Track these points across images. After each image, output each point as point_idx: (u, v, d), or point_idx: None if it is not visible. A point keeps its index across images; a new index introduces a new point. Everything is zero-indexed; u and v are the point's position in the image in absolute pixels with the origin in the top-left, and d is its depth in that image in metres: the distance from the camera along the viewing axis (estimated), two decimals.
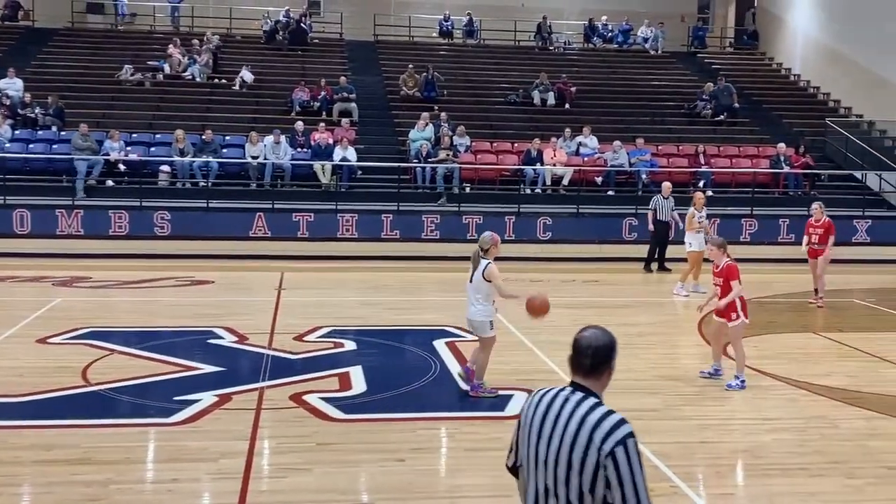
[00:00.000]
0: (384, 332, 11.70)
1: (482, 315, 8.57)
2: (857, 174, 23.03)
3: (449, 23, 29.70)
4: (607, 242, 18.79)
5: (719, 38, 33.43)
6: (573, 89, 25.10)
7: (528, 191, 20.76)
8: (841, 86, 26.76)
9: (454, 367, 9.74)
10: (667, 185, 17.35)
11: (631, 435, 3.14)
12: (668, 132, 23.92)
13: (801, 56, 29.26)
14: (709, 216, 16.02)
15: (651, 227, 17.15)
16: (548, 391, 3.34)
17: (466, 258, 17.85)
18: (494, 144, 22.42)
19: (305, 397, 8.51)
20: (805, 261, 14.52)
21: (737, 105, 25.11)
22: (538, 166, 20.78)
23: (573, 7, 31.58)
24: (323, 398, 8.50)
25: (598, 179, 21.04)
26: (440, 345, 10.81)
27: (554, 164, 20.90)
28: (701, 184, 21.09)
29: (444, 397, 8.89)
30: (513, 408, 8.33)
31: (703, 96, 25.05)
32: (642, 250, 18.02)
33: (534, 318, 8.04)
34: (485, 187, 20.82)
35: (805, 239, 14.34)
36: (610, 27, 30.26)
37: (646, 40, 29.75)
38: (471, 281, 8.60)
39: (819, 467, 6.91)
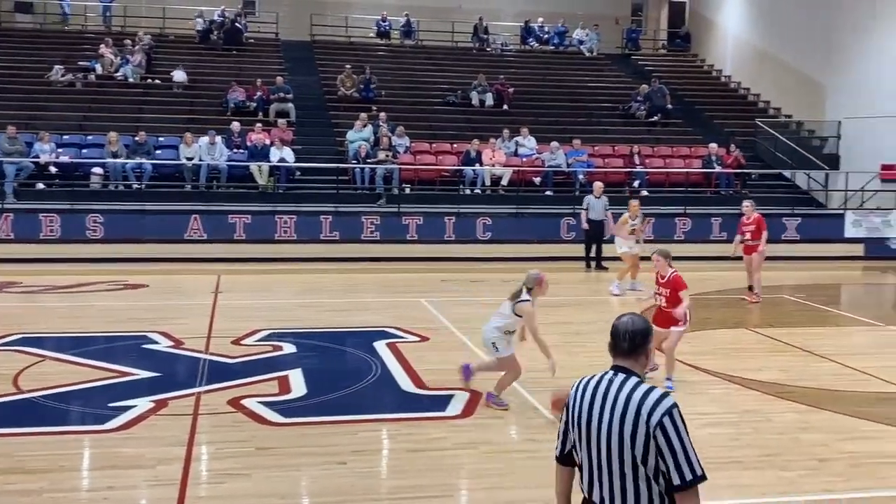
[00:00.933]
0: (324, 334, 11.62)
1: (490, 332, 8.34)
2: (787, 173, 23.60)
3: (386, 23, 29.66)
4: (546, 242, 18.92)
5: (652, 41, 33.97)
6: (511, 90, 25.26)
7: (468, 191, 20.83)
8: (770, 87, 27.38)
9: (395, 369, 9.73)
10: (598, 185, 17.68)
11: (675, 406, 3.39)
12: (604, 133, 24.22)
13: (732, 58, 29.88)
14: (645, 216, 16.24)
15: (584, 225, 17.46)
16: (591, 377, 3.60)
17: (405, 259, 17.87)
18: (433, 145, 22.45)
19: (244, 402, 8.41)
20: (739, 258, 14.81)
21: (670, 106, 25.54)
22: (477, 167, 20.87)
23: (509, 9, 31.77)
24: (262, 402, 8.41)
25: (537, 180, 21.21)
26: (381, 346, 10.77)
27: (493, 165, 21.00)
28: (636, 184, 21.42)
29: (385, 399, 8.87)
30: (454, 408, 8.35)
31: (638, 97, 25.42)
32: (580, 249, 18.28)
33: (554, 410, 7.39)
34: (424, 188, 20.84)
35: (738, 237, 14.66)
36: (546, 29, 30.53)
37: (581, 42, 30.08)
38: (502, 304, 8.43)
39: (754, 460, 7.06)
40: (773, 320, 13.03)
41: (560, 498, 3.78)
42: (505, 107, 24.82)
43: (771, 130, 24.61)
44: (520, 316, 8.24)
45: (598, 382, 3.55)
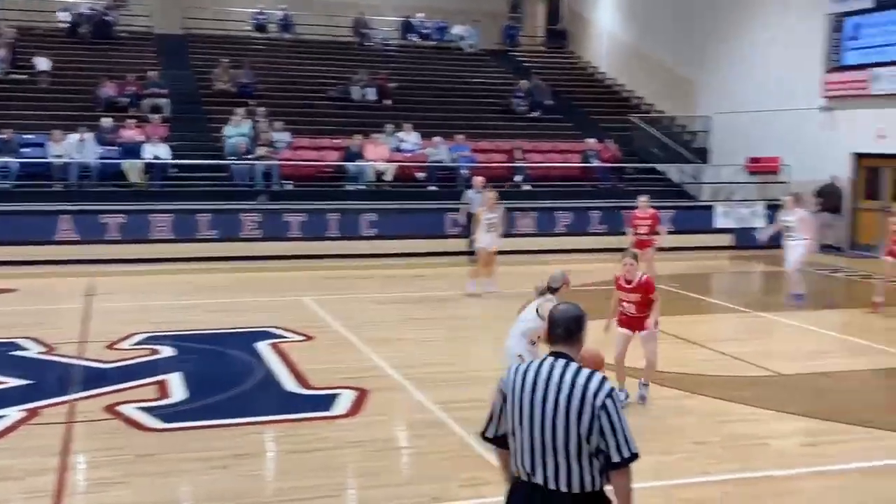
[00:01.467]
0: (204, 336, 11.32)
1: (515, 345, 7.64)
2: (660, 167, 24.37)
3: (264, 16, 29.12)
4: (431, 237, 18.96)
5: (531, 38, 34.49)
6: (392, 85, 25.21)
7: (351, 187, 20.68)
8: (644, 84, 28.20)
9: (278, 369, 9.57)
10: (478, 179, 17.80)
11: (613, 389, 3.65)
12: (486, 128, 24.44)
13: (607, 55, 30.64)
14: (521, 209, 16.44)
15: (464, 220, 17.64)
16: (531, 364, 3.76)
17: (287, 257, 17.55)
18: (315, 140, 22.18)
19: (120, 408, 8.11)
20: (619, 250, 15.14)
21: (549, 102, 25.99)
22: (360, 162, 20.75)
23: (389, 3, 31.70)
24: (140, 408, 8.13)
25: (420, 175, 21.24)
26: (263, 347, 10.57)
27: (376, 161, 20.92)
28: (518, 178, 21.72)
29: (268, 401, 8.71)
30: (339, 407, 8.27)
31: (518, 93, 25.77)
32: (465, 244, 18.43)
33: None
34: (306, 184, 20.55)
35: (630, 230, 14.99)
36: (426, 24, 30.61)
37: (461, 38, 30.28)
38: (519, 312, 7.76)
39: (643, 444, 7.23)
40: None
41: (506, 474, 3.92)
42: (387, 102, 24.75)
43: (645, 126, 25.37)
44: (544, 318, 7.57)
45: (539, 368, 3.70)
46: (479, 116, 25.23)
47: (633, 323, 8.43)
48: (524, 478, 3.70)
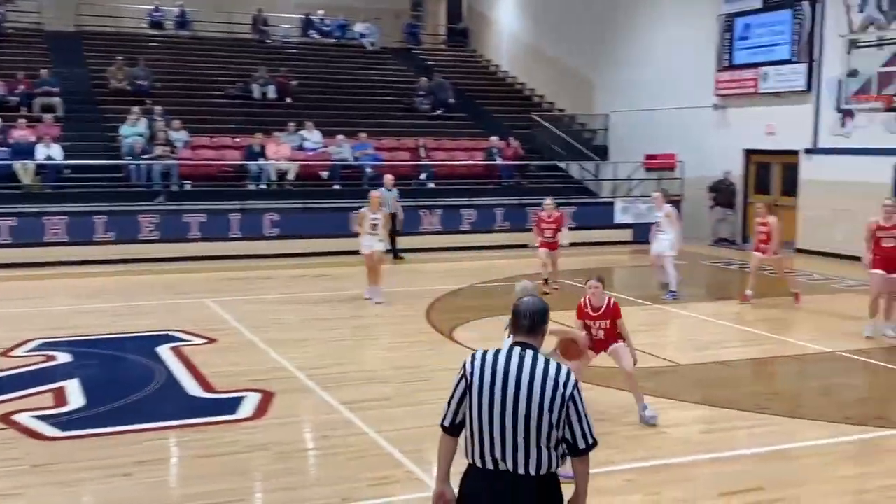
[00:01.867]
0: (102, 341, 11.00)
1: None
2: (562, 164, 24.79)
3: (160, 13, 28.46)
4: (335, 236, 18.82)
5: (432, 36, 34.59)
6: (293, 83, 24.95)
7: (253, 186, 20.38)
8: (544, 82, 28.64)
9: (181, 373, 9.38)
10: (388, 178, 17.93)
11: (577, 380, 3.80)
12: (389, 126, 24.42)
13: (508, 54, 31.00)
14: (426, 207, 16.55)
15: None
16: (490, 352, 3.84)
17: (188, 258, 17.23)
18: (214, 139, 21.79)
19: (15, 417, 7.82)
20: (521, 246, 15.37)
21: (452, 100, 26.14)
22: (262, 161, 20.47)
23: (289, 0, 31.35)
24: (35, 416, 7.85)
25: (324, 173, 21.08)
26: (164, 351, 10.34)
27: (278, 159, 20.67)
28: (423, 176, 21.78)
29: (170, 405, 8.51)
30: (245, 410, 8.15)
31: (420, 91, 25.83)
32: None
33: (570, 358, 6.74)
34: (206, 184, 20.16)
35: (536, 231, 15.03)
36: (327, 22, 30.39)
37: (362, 35, 30.17)
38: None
39: None
40: (553, 305, 13.58)
41: (444, 466, 3.97)
42: (288, 100, 24.49)
43: (546, 123, 25.75)
44: None
45: (508, 357, 3.78)
46: (383, 114, 25.20)
47: (600, 346, 7.83)
48: (489, 465, 3.75)
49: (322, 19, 30.34)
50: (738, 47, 21.34)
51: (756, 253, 13.83)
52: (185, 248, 17.94)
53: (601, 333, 7.76)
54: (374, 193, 14.30)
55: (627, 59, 24.76)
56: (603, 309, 7.70)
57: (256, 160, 20.43)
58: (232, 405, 8.29)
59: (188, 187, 19.89)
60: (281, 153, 20.85)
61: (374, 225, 13.63)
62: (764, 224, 13.70)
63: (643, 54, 24.15)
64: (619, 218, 21.49)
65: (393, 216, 17.66)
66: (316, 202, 19.69)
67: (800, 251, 19.45)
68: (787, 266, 13.70)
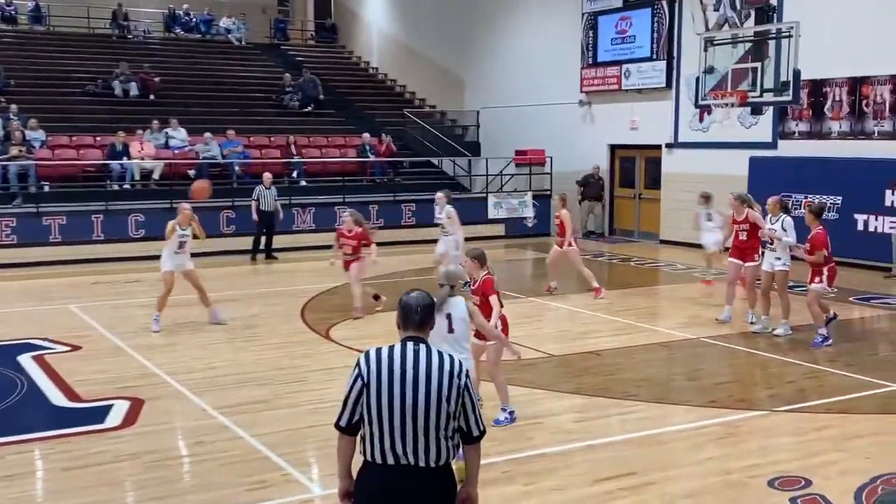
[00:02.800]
0: None
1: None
2: (434, 160, 24.94)
3: (12, 7, 27.13)
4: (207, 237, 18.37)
5: (301, 31, 34.20)
6: (157, 80, 24.21)
7: (116, 187, 19.67)
8: (415, 79, 28.75)
9: (44, 383, 8.97)
10: (267, 176, 18.07)
11: (468, 369, 3.97)
12: (259, 123, 24.02)
13: (378, 50, 30.95)
14: (300, 205, 16.39)
15: (255, 216, 17.76)
16: (383, 349, 3.86)
17: (49, 263, 16.44)
18: (74, 138, 20.92)
19: None
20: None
21: (322, 97, 25.91)
22: (125, 160, 19.77)
23: None
24: None
25: (191, 172, 20.51)
26: (26, 360, 9.87)
27: (142, 158, 20.02)
28: (294, 174, 21.52)
29: (34, 417, 8.12)
30: (113, 418, 7.86)
31: (288, 88, 25.49)
32: (243, 242, 18.13)
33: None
34: (66, 185, 19.34)
35: (336, 248, 12.91)
36: (191, 16, 29.62)
37: (228, 31, 29.55)
38: (451, 330, 6.48)
39: None
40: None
41: (344, 465, 3.97)
42: (151, 97, 23.76)
43: (418, 120, 25.86)
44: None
45: (403, 352, 3.83)
46: (251, 111, 24.78)
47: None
48: (391, 461, 3.77)
49: (186, 14, 29.55)
50: (602, 45, 21.96)
51: (557, 248, 14.19)
52: (46, 251, 17.19)
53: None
54: (184, 206, 11.96)
55: (496, 56, 25.11)
56: (477, 284, 7.58)
57: (119, 159, 19.73)
58: (99, 414, 7.98)
59: (47, 188, 19.06)
60: (145, 152, 20.21)
61: (183, 243, 11.67)
62: (557, 217, 14.18)
63: (511, 52, 24.54)
64: (493, 213, 21.79)
65: (271, 215, 17.80)
66: (182, 202, 19.08)
67: (663, 242, 20.20)
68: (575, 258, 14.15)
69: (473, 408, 3.87)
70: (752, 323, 11.57)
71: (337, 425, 3.90)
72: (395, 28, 29.97)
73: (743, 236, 11.68)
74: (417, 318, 3.93)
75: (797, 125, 17.90)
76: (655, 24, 20.51)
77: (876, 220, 16.07)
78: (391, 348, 3.87)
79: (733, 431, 7.55)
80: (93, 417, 7.93)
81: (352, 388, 3.85)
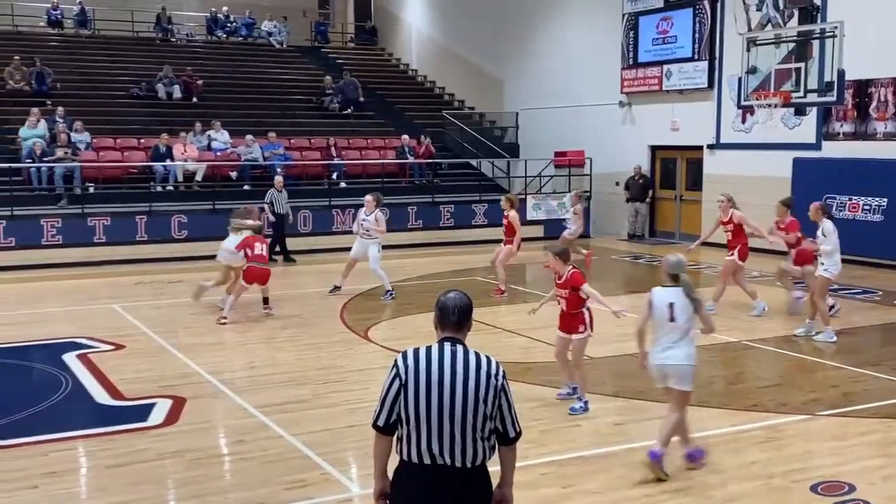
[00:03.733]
0: (5, 350, 10.60)
1: (688, 357, 6.66)
2: (473, 162, 24.95)
3: (58, 12, 27.60)
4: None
5: (341, 34, 34.41)
6: (200, 82, 24.50)
7: (160, 188, 19.93)
8: (454, 80, 28.79)
9: (88, 381, 9.12)
10: (278, 179, 18.02)
11: (505, 370, 3.92)
12: (299, 125, 24.18)
13: (417, 52, 31.03)
14: (339, 207, 16.40)
15: (271, 218, 17.70)
16: (421, 349, 3.87)
17: (93, 263, 16.70)
18: (118, 141, 21.23)
19: None
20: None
21: (362, 99, 26.02)
22: (168, 162, 20.03)
23: None
24: None
25: (233, 174, 20.74)
26: (71, 358, 10.03)
27: (185, 160, 20.26)
28: (334, 176, 21.63)
29: (78, 414, 8.27)
30: (156, 417, 7.97)
31: (328, 90, 25.64)
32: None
33: None
34: (111, 186, 19.65)
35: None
36: (233, 19, 29.93)
37: (269, 34, 29.81)
38: (673, 319, 6.59)
39: None
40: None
41: (380, 465, 3.98)
42: (194, 99, 24.04)
43: (457, 122, 25.87)
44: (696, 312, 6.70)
45: (440, 354, 3.84)
46: (292, 114, 24.96)
47: (566, 319, 8.14)
48: (427, 461, 3.78)
49: (228, 17, 29.86)
50: (643, 46, 21.81)
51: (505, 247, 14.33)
52: (90, 252, 17.45)
53: (564, 303, 8.13)
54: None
55: (534, 57, 25.05)
56: (564, 278, 8.03)
57: (163, 161, 19.98)
58: (142, 412, 8.09)
59: (92, 190, 19.36)
60: (188, 154, 20.44)
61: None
62: (505, 218, 14.28)
63: (550, 52, 24.47)
64: (531, 215, 21.71)
65: (282, 217, 17.89)
66: (225, 203, 19.29)
67: (706, 244, 19.98)
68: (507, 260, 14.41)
69: (510, 409, 3.88)
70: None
71: (374, 425, 3.92)
72: (433, 30, 30.02)
73: (728, 236, 12.42)
74: (455, 318, 3.94)
75: (841, 126, 17.64)
76: (697, 25, 20.33)
77: None
78: (429, 349, 3.88)
79: (776, 435, 7.46)
80: (136, 415, 8.04)
81: (389, 388, 3.87)
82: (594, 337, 8.36)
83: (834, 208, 17.30)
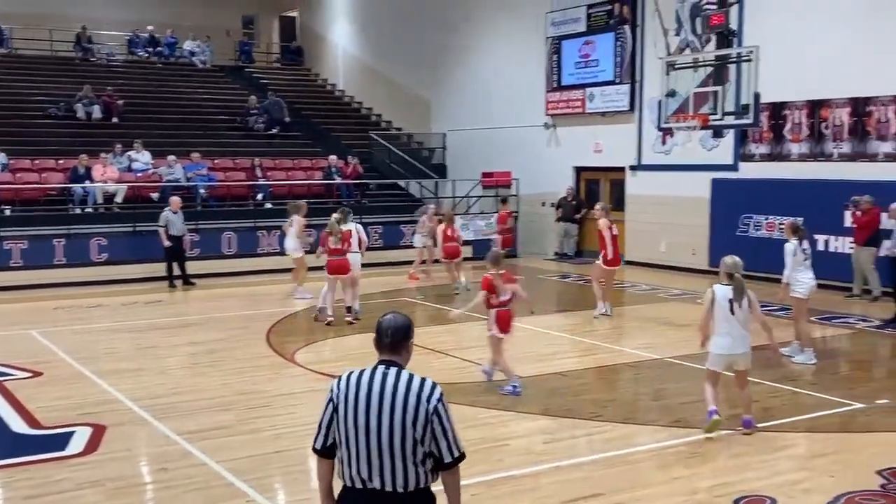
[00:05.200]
0: None
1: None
2: (401, 182, 24.96)
3: None
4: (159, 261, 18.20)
5: (266, 54, 34.17)
6: (120, 102, 24.05)
7: (79, 210, 19.46)
8: (381, 101, 28.81)
9: (3, 410, 8.81)
10: (175, 200, 17.45)
11: (442, 393, 3.84)
12: (224, 146, 23.90)
13: (344, 73, 31.00)
14: (265, 228, 16.30)
15: (166, 243, 17.07)
16: (355, 371, 3.86)
17: (9, 288, 16.31)
18: (36, 162, 20.68)
19: None
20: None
21: (288, 119, 25.86)
22: (88, 184, 19.57)
23: (114, 17, 30.22)
24: None
25: (155, 195, 20.36)
26: None
27: (105, 181, 19.83)
28: (259, 196, 21.40)
29: None
30: (75, 445, 7.73)
31: (253, 110, 25.42)
32: (208, 266, 18.01)
33: None
34: (28, 209, 19.11)
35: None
36: (156, 39, 29.47)
37: (192, 53, 29.45)
38: (732, 312, 7.71)
39: None
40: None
41: (324, 487, 3.99)
42: (115, 119, 23.59)
43: (384, 142, 25.88)
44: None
45: (372, 376, 3.82)
46: (216, 134, 24.67)
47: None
48: (358, 484, 3.79)
49: (150, 37, 29.41)
50: (566, 69, 22.16)
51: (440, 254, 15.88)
52: (6, 276, 16.93)
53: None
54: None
55: (462, 79, 25.25)
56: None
57: (82, 183, 19.53)
58: (61, 441, 7.84)
59: (8, 212, 18.81)
60: (108, 175, 20.02)
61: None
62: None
63: (477, 75, 24.69)
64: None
65: (181, 240, 17.36)
66: (147, 225, 18.91)
67: (628, 263, 20.34)
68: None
69: (445, 433, 3.79)
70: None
71: (313, 448, 3.95)
72: (361, 51, 30.04)
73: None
74: (388, 340, 3.91)
75: (758, 147, 18.16)
76: (618, 49, 20.74)
77: (836, 240, 16.33)
78: (361, 372, 3.87)
79: (699, 451, 7.59)
80: (54, 444, 7.79)
81: (325, 411, 3.90)
82: (522, 356, 8.42)
83: (750, 227, 17.83)
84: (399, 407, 3.75)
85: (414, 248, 18.88)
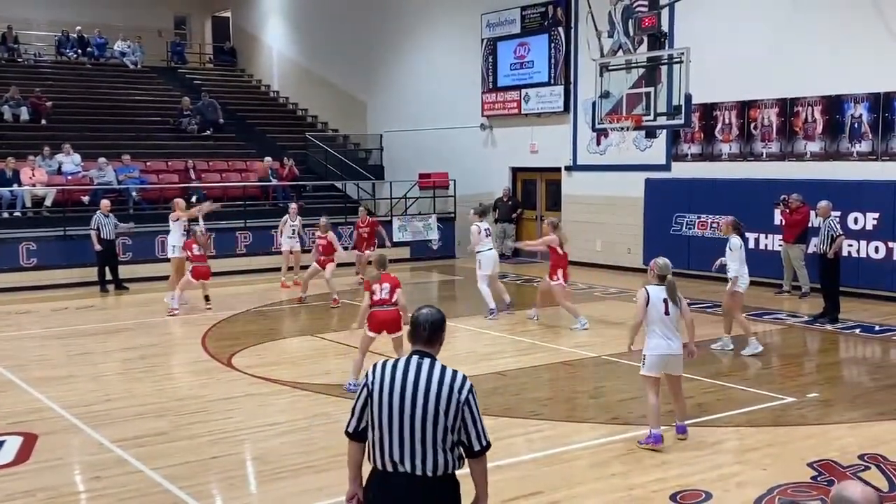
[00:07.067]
0: None
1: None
2: (338, 184, 24.84)
3: None
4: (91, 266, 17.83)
5: (199, 55, 33.71)
6: (49, 104, 23.50)
7: (6, 214, 18.95)
8: (317, 103, 28.64)
9: None
10: (105, 203, 17.08)
11: (472, 385, 4.04)
12: (156, 148, 23.51)
13: (278, 74, 30.74)
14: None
15: (97, 246, 16.73)
16: (390, 362, 4.07)
17: None
18: None
19: None
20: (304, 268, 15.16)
21: (222, 120, 25.54)
22: (15, 188, 19.08)
23: (42, 17, 29.53)
24: None
25: (85, 199, 19.92)
26: None
27: (33, 185, 19.35)
28: (193, 199, 21.07)
29: None
30: (4, 455, 7.52)
31: (186, 111, 25.05)
32: (140, 269, 17.67)
33: None
34: None
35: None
36: (85, 39, 28.86)
37: (123, 54, 28.91)
38: (667, 313, 7.64)
39: (324, 463, 7.27)
40: (338, 325, 13.55)
41: (353, 469, 4.19)
42: (43, 121, 23.03)
43: (321, 144, 25.74)
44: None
45: (406, 366, 4.00)
46: (148, 135, 24.27)
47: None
48: (389, 468, 3.95)
49: (79, 37, 28.78)
50: (502, 70, 22.29)
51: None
52: None
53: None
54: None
55: (398, 80, 25.23)
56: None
57: (9, 186, 19.03)
58: None
59: None
60: (36, 178, 19.55)
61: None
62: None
63: (413, 76, 24.70)
64: (397, 236, 21.78)
65: (113, 243, 17.03)
66: (77, 229, 18.49)
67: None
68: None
69: (475, 422, 4.00)
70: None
71: (346, 431, 4.13)
72: (295, 52, 29.82)
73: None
74: (426, 333, 4.10)
75: (689, 148, 18.51)
76: (553, 51, 20.94)
77: (766, 238, 16.72)
78: (397, 361, 4.07)
79: (636, 447, 7.69)
80: None
81: (359, 396, 4.09)
82: (461, 356, 8.42)
83: (683, 226, 18.15)
84: (433, 395, 3.93)
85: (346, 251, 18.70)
